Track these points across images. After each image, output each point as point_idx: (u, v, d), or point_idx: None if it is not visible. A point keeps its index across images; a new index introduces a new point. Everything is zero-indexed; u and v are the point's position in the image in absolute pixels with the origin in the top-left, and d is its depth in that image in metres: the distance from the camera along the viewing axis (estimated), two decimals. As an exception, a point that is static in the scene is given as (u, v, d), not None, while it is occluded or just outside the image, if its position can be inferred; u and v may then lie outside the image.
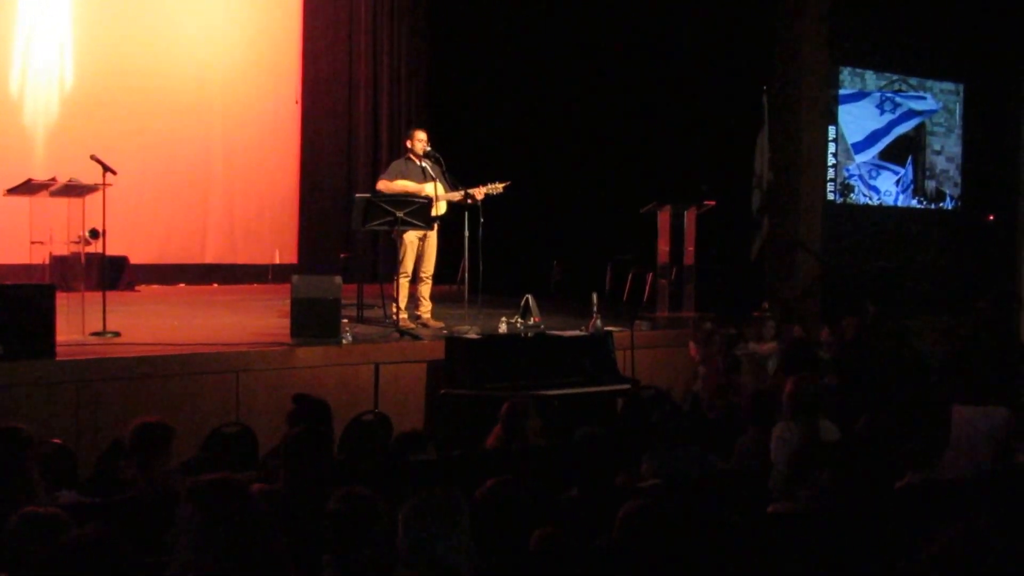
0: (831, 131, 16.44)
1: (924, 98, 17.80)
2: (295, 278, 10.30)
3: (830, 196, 16.48)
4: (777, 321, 12.01)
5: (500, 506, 4.92)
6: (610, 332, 10.91)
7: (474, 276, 11.35)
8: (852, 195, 17.06)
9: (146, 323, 11.08)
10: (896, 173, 17.54)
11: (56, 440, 7.17)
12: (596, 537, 4.88)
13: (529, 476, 5.72)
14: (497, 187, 11.31)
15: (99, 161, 9.76)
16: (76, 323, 9.52)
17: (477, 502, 5.28)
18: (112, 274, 13.71)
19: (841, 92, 16.74)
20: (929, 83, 17.82)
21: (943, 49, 17.51)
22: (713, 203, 13.73)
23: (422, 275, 11.31)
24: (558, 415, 9.04)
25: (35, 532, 4.29)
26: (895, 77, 17.45)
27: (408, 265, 11.14)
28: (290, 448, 5.52)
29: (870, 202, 17.27)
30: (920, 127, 17.79)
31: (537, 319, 11.47)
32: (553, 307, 12.65)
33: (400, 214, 10.50)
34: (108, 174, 9.77)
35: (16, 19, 15.14)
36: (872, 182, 17.28)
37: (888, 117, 17.39)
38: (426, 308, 11.42)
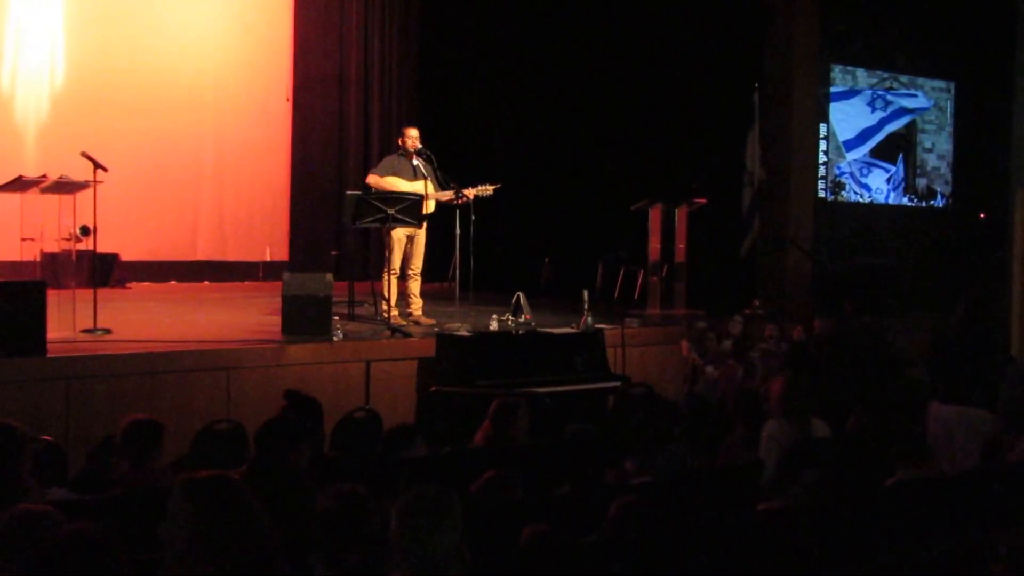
0: (822, 129, 16.48)
1: (915, 96, 17.84)
2: (286, 275, 10.28)
3: (821, 194, 16.52)
4: (776, 321, 12.02)
5: (497, 497, 4.93)
6: (601, 330, 10.92)
7: (465, 273, 11.35)
8: (843, 193, 17.09)
9: (137, 320, 11.07)
10: (887, 171, 17.58)
11: (46, 437, 7.16)
12: (587, 534, 4.88)
13: (520, 473, 5.73)
14: (487, 189, 11.32)
15: (90, 158, 9.74)
16: (67, 320, 9.49)
17: (473, 494, 5.30)
18: (103, 271, 13.72)
19: (832, 90, 16.77)
20: (920, 81, 17.86)
21: (934, 47, 17.55)
22: (704, 201, 13.75)
23: (410, 272, 11.30)
24: (549, 412, 9.04)
25: (26, 529, 4.29)
26: (886, 75, 17.48)
27: (396, 262, 11.12)
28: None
29: (861, 200, 17.31)
30: (911, 125, 17.83)
31: (528, 316, 11.47)
32: (544, 304, 12.64)
33: (391, 211, 10.50)
34: (99, 171, 9.77)
35: (7, 16, 15.11)
36: (863, 180, 17.31)
37: (879, 115, 17.43)
38: (417, 305, 11.41)
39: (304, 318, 9.97)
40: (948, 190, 18.25)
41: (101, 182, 9.84)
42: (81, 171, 9.87)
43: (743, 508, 5.82)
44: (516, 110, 16.83)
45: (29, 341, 8.49)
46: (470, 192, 11.22)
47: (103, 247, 11.02)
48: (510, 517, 4.95)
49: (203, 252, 16.76)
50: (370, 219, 10.67)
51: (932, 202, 18.15)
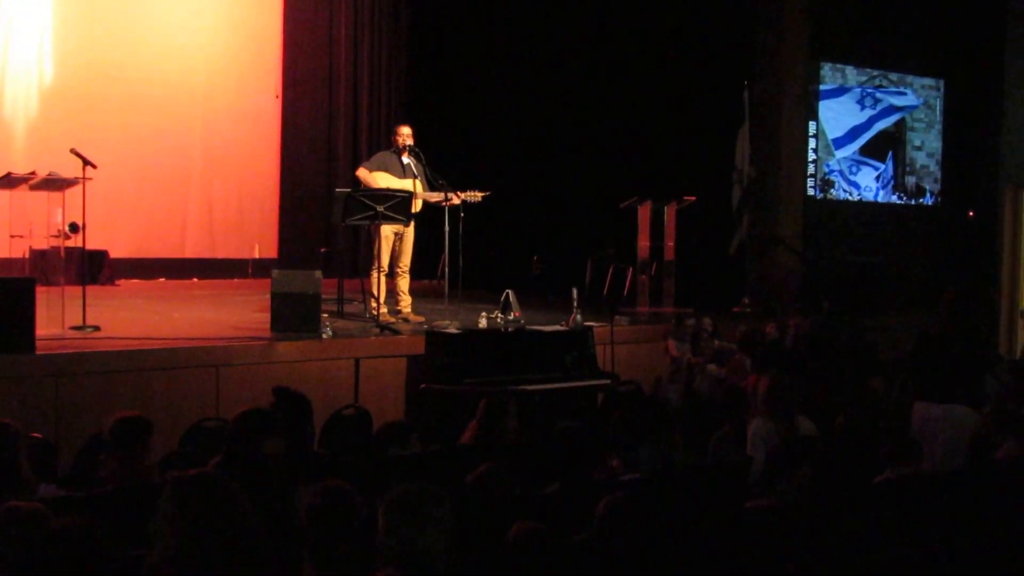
0: (811, 127, 16.48)
1: (904, 94, 17.85)
2: (275, 273, 10.30)
3: (810, 192, 16.51)
4: (755, 318, 12.00)
5: (492, 489, 4.93)
6: (590, 327, 10.91)
7: (454, 271, 11.35)
8: (832, 191, 17.09)
9: (126, 317, 11.05)
10: (876, 169, 17.59)
11: (36, 434, 7.15)
12: (576, 531, 4.89)
13: (509, 470, 5.73)
14: (476, 195, 11.34)
15: (79, 155, 9.73)
16: (56, 317, 9.48)
17: (468, 485, 5.31)
18: (92, 268, 13.69)
19: (822, 87, 16.77)
20: (910, 79, 17.86)
21: (923, 45, 17.56)
22: (693, 198, 13.76)
23: (399, 269, 11.30)
24: (538, 410, 9.05)
25: (15, 526, 4.29)
26: (876, 72, 17.48)
27: (384, 259, 11.11)
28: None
29: (850, 198, 17.31)
30: (900, 123, 17.84)
31: (517, 314, 11.48)
32: (533, 302, 12.64)
33: (380, 208, 10.50)
34: (88, 168, 9.75)
35: (-5, 12, 15.09)
36: (852, 178, 17.32)
37: (868, 112, 17.43)
38: (406, 303, 11.41)
39: (293, 315, 9.99)
40: (937, 188, 18.27)
41: (90, 179, 9.83)
42: (70, 168, 9.85)
43: (732, 505, 5.84)
44: (505, 108, 16.81)
45: (18, 338, 8.48)
46: (457, 198, 11.23)
47: (92, 244, 11.02)
48: (500, 512, 4.96)
49: (192, 249, 16.74)
50: (359, 216, 10.66)
51: (921, 200, 18.16)
